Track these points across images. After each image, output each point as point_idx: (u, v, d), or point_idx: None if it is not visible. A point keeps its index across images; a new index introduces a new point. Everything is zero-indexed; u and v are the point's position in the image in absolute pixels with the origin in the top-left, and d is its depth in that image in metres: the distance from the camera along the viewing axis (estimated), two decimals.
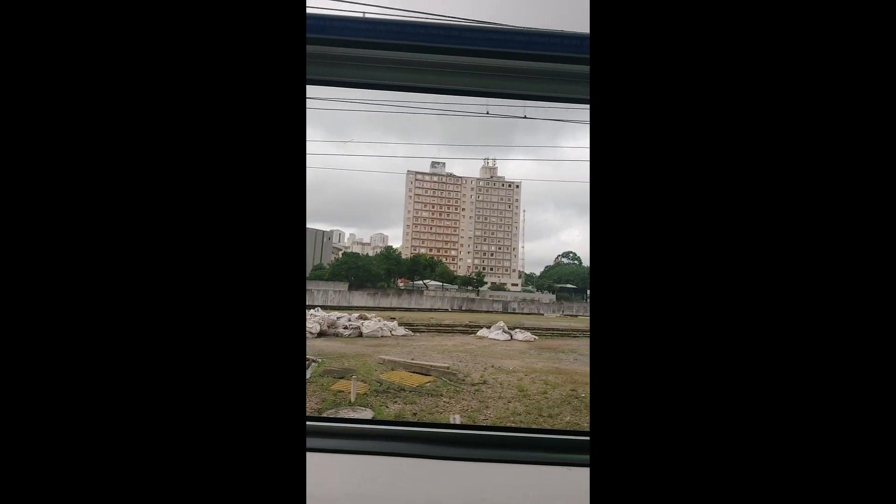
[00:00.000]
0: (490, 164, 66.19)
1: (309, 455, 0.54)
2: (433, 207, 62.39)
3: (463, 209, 62.94)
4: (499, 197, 63.88)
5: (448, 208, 62.53)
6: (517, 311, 28.22)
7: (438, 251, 60.78)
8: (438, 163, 65.04)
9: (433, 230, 61.85)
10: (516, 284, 58.62)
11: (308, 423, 0.91)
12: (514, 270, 61.89)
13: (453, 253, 61.78)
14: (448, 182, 63.18)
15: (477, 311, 26.36)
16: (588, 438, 0.76)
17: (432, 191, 63.13)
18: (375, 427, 1.00)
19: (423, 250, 58.92)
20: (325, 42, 0.86)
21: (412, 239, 60.99)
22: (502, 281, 60.19)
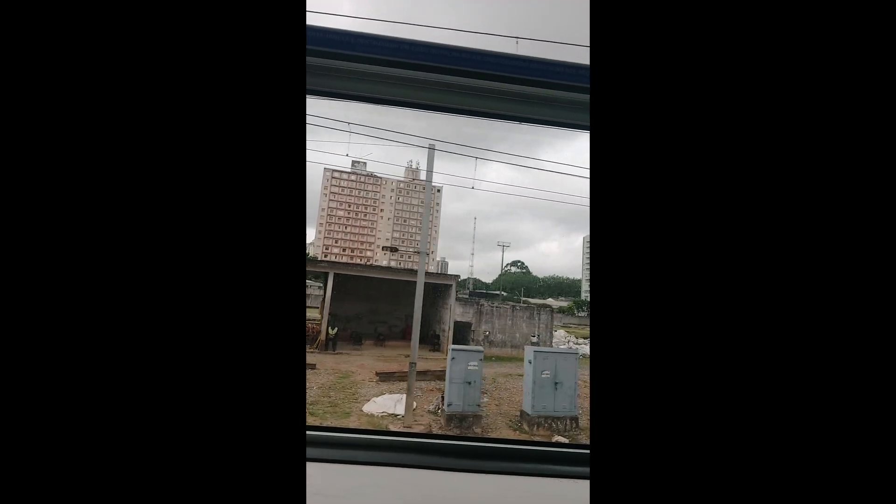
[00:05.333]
0: (414, 166, 65.18)
1: (308, 465, 0.52)
2: (349, 206, 60.48)
3: (381, 210, 61.42)
4: (420, 199, 62.86)
5: (366, 208, 60.81)
6: None
7: (353, 251, 58.86)
8: (359, 162, 63.44)
9: (348, 230, 59.90)
10: None
11: (308, 433, 0.91)
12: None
13: (368, 254, 60.01)
14: (367, 182, 61.58)
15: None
16: (588, 451, 0.76)
17: (349, 189, 61.26)
18: (376, 437, 0.98)
19: (336, 250, 56.91)
20: (327, 55, 0.88)
21: (325, 238, 58.79)
22: None
